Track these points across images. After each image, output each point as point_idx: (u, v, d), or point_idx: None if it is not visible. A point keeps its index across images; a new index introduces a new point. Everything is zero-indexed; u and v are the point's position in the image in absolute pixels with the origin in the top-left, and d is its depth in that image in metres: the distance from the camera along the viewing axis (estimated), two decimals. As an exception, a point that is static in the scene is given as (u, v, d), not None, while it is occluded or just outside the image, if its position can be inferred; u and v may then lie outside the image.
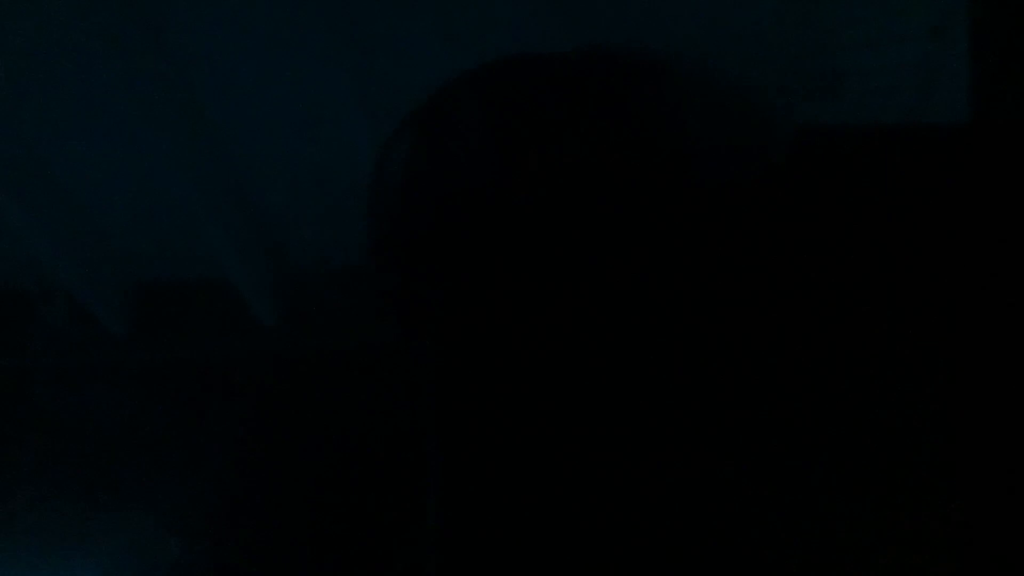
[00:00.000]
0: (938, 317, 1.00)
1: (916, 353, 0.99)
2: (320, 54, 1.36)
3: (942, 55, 1.37)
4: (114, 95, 1.41)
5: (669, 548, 0.95)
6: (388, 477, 1.69)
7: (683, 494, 0.96)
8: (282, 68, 1.41)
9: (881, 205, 1.02)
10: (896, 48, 1.39)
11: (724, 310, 1.00)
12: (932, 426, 0.99)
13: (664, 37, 1.35)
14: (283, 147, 1.54)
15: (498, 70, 0.97)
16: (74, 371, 1.78)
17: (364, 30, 1.35)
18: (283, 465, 1.72)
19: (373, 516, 1.68)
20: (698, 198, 1.00)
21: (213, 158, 1.54)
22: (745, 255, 1.01)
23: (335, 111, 1.44)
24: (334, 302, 1.78)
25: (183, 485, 1.71)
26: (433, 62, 1.38)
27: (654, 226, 0.99)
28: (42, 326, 1.79)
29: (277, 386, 1.76)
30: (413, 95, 1.04)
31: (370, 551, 1.66)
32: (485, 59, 0.97)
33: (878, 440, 0.99)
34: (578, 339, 0.99)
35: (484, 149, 0.94)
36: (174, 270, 1.77)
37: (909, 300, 1.00)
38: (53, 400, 1.76)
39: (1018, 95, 1.07)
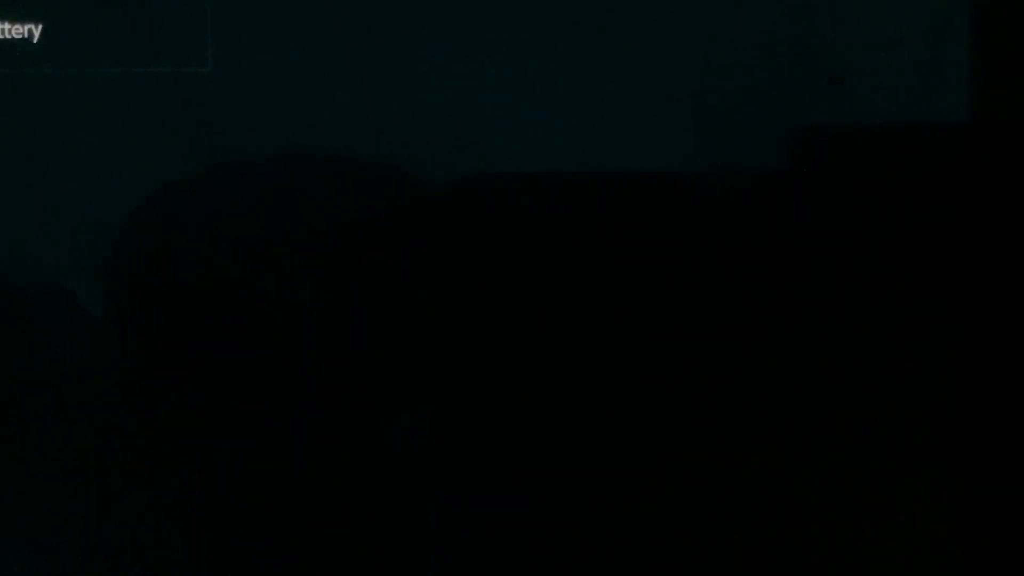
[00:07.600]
0: (938, 317, 1.00)
1: (916, 353, 0.99)
2: (320, 58, 1.36)
3: (942, 55, 1.37)
4: (115, 96, 1.41)
5: (667, 548, 0.95)
6: (388, 477, 1.69)
7: (682, 494, 0.96)
8: (283, 71, 1.41)
9: (881, 205, 1.02)
10: (896, 48, 1.38)
11: (725, 310, 1.00)
12: (932, 426, 0.99)
13: (662, 37, 1.35)
14: (282, 148, 1.54)
15: None
16: (74, 371, 1.78)
17: (364, 32, 1.35)
18: (283, 464, 1.72)
19: (374, 516, 1.68)
20: (698, 199, 1.00)
21: (213, 159, 1.54)
22: (747, 256, 1.01)
23: (335, 114, 1.44)
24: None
25: (183, 484, 1.71)
26: (435, 63, 1.38)
27: (656, 228, 0.99)
28: (42, 326, 1.79)
29: (277, 385, 1.76)
30: (414, 97, 1.04)
31: (370, 550, 1.66)
32: (487, 61, 0.97)
33: (877, 440, 0.99)
34: (578, 341, 0.99)
35: None
36: (174, 270, 1.77)
37: (909, 300, 1.00)
38: (53, 400, 1.76)
39: (1018, 95, 1.07)
